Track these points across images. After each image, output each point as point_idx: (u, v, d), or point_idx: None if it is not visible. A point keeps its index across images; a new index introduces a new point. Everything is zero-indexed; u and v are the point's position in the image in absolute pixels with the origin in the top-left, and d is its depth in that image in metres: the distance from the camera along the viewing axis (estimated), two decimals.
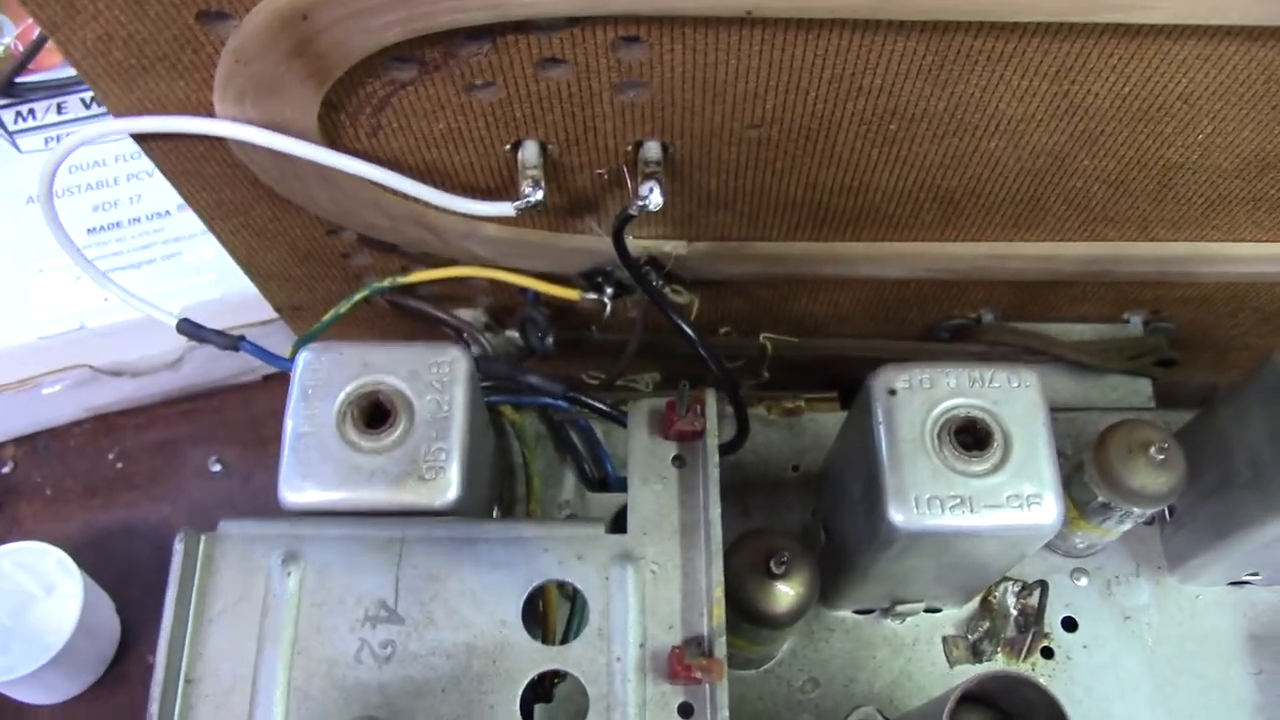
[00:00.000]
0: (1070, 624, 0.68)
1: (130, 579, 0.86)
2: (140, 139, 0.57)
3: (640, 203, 0.57)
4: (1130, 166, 0.61)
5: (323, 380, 0.53)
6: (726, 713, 0.47)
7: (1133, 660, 0.67)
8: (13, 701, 0.81)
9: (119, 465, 0.92)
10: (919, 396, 0.54)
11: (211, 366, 0.91)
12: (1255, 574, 0.68)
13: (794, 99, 0.54)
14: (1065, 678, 0.67)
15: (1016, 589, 0.68)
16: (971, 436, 0.54)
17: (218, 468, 0.91)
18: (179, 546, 0.49)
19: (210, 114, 0.54)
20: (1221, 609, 0.69)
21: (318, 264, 0.71)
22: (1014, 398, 0.54)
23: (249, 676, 0.47)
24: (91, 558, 0.82)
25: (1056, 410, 0.73)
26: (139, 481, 0.91)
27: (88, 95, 0.96)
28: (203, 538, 0.50)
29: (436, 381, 0.52)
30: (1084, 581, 0.69)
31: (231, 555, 0.50)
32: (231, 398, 0.94)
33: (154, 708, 0.46)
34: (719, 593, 0.49)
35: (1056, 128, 0.57)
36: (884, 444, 0.54)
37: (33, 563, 0.81)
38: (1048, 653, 0.67)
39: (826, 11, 0.47)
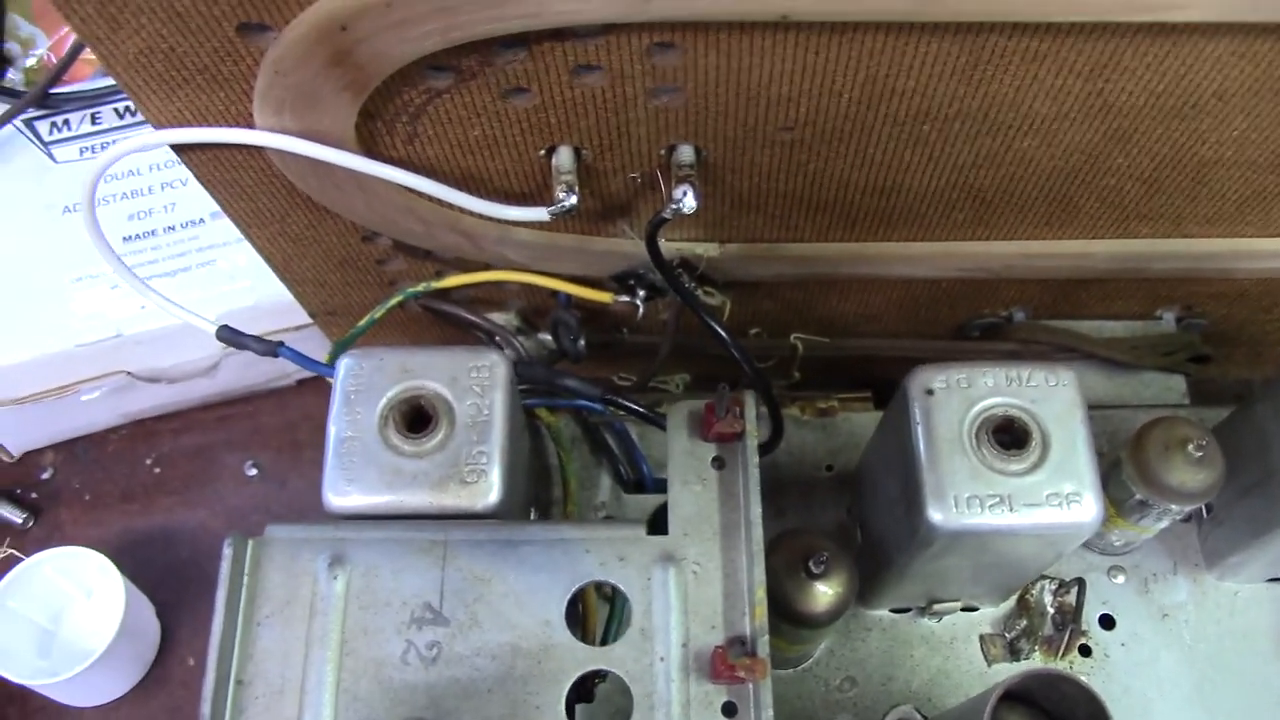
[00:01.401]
0: (1108, 622, 0.68)
1: (169, 582, 0.87)
2: (179, 149, 0.58)
3: (674, 206, 0.57)
4: (1164, 164, 0.60)
5: (365, 385, 0.53)
6: (770, 712, 0.47)
7: (1171, 658, 0.67)
8: (55, 704, 0.82)
9: (156, 470, 0.93)
10: (956, 396, 0.55)
11: (246, 372, 0.92)
12: None
13: (827, 102, 0.54)
14: (1103, 676, 0.67)
15: (1054, 587, 0.67)
16: (1010, 435, 0.54)
17: (254, 472, 0.92)
18: (227, 551, 0.49)
19: (249, 124, 0.55)
20: (1260, 606, 0.69)
21: (353, 270, 0.71)
22: (1052, 396, 0.55)
23: (298, 678, 0.48)
24: (130, 562, 0.83)
25: (1090, 408, 0.73)
26: (176, 486, 0.92)
27: (121, 105, 0.97)
28: (250, 542, 0.50)
29: (476, 386, 0.53)
30: (1121, 579, 0.69)
31: (278, 559, 0.50)
32: (266, 403, 0.95)
33: (205, 708, 0.46)
34: (761, 593, 0.50)
35: (1090, 126, 0.57)
36: (922, 444, 0.54)
37: (73, 567, 0.82)
38: (1085, 651, 0.67)
39: (860, 15, 0.47)
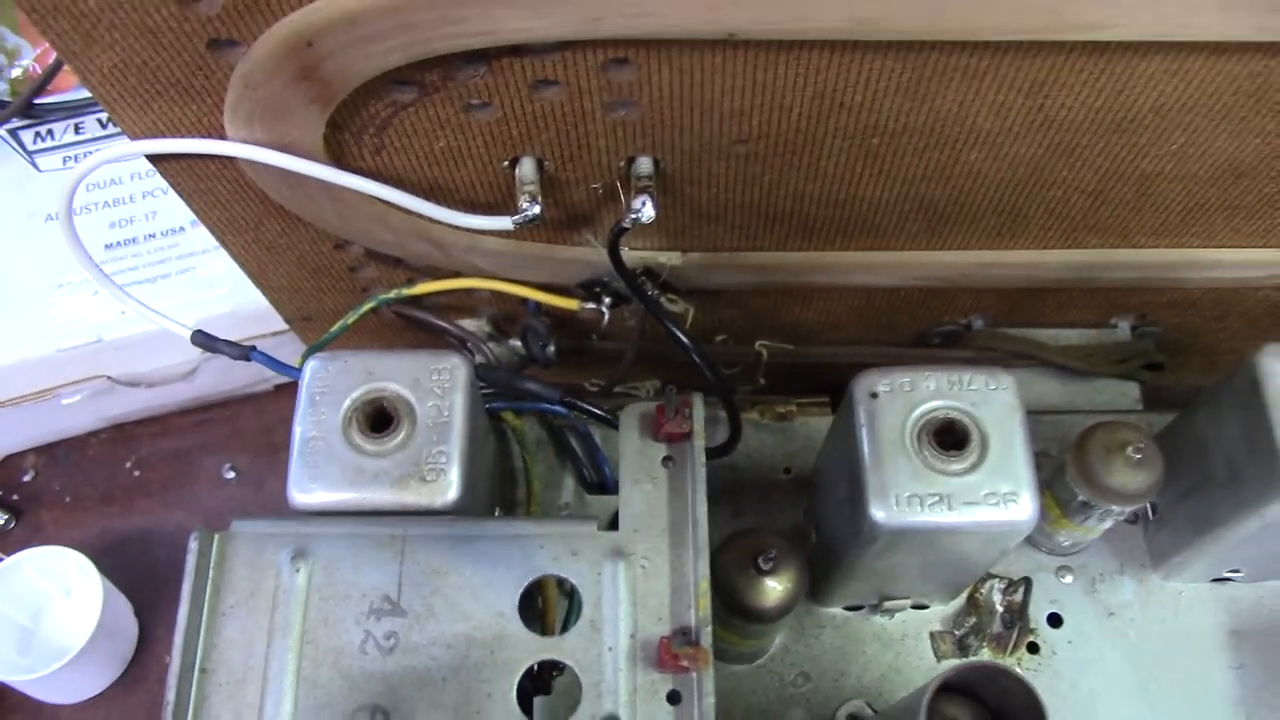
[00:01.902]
0: (1055, 620, 0.70)
1: (147, 582, 0.88)
2: (155, 159, 0.60)
3: (633, 216, 0.59)
4: (1107, 176, 0.63)
5: (329, 387, 0.55)
6: (712, 699, 0.49)
7: (1116, 655, 0.69)
8: (34, 700, 0.84)
9: (136, 473, 0.94)
10: (900, 399, 0.57)
11: (225, 377, 0.94)
12: (1236, 570, 0.70)
13: (778, 116, 0.56)
14: (1050, 672, 0.69)
15: (1002, 586, 0.70)
16: (950, 437, 0.56)
17: (231, 474, 0.94)
18: (194, 544, 0.51)
19: (221, 135, 0.56)
20: (1204, 605, 0.71)
21: (326, 277, 0.73)
22: (991, 400, 0.57)
23: (260, 666, 0.50)
24: (110, 562, 0.84)
25: (1044, 413, 0.76)
26: (155, 488, 0.94)
27: (104, 115, 0.99)
28: (216, 536, 0.52)
29: (437, 388, 0.55)
30: (1069, 579, 0.71)
31: (243, 553, 0.52)
32: (244, 407, 0.97)
33: (170, 695, 0.48)
34: (705, 585, 0.52)
35: (1034, 140, 0.59)
36: (866, 445, 0.56)
37: (53, 567, 0.83)
38: (1033, 648, 0.69)
39: (805, 33, 0.49)
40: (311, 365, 0.56)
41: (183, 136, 0.57)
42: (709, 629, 0.51)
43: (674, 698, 0.50)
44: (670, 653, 0.49)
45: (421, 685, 0.49)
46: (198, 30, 0.49)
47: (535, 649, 0.51)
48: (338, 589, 0.51)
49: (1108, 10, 0.47)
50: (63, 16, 0.48)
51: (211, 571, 0.52)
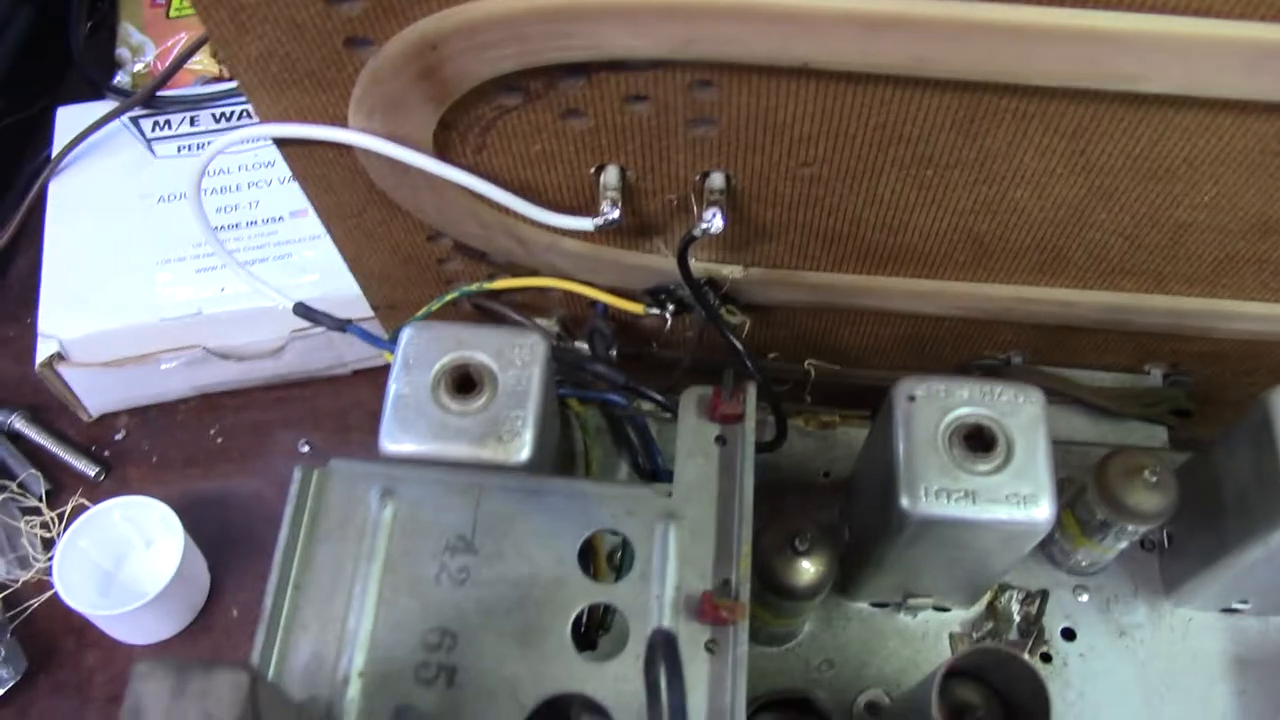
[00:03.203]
0: (1069, 634, 0.74)
1: (221, 541, 0.94)
2: (280, 143, 0.65)
3: (703, 226, 0.64)
4: (1143, 222, 0.66)
5: (421, 353, 0.61)
6: (745, 649, 0.54)
7: (1125, 672, 0.73)
8: (109, 639, 0.89)
9: (218, 440, 1.00)
10: (934, 403, 0.62)
11: (308, 358, 0.99)
12: (1245, 602, 0.73)
13: (842, 143, 0.61)
14: (1061, 681, 0.72)
15: (1020, 596, 0.74)
16: (979, 440, 0.61)
17: (305, 449, 1.00)
18: (297, 476, 0.57)
19: (344, 125, 0.62)
20: (1212, 632, 0.74)
21: (416, 266, 0.78)
22: (1018, 410, 0.61)
23: (346, 587, 0.55)
24: (187, 520, 0.89)
25: (1075, 444, 0.80)
26: (235, 456, 0.99)
27: (218, 111, 1.07)
28: (316, 471, 0.59)
29: (518, 360, 0.61)
30: (1085, 597, 0.75)
31: (339, 487, 0.58)
32: (323, 388, 1.02)
33: (268, 603, 0.54)
34: (746, 549, 0.57)
35: (1075, 182, 0.63)
36: (901, 443, 0.61)
37: (139, 516, 0.89)
38: (1046, 658, 0.73)
39: (870, 67, 0.54)
40: (408, 332, 0.62)
41: (310, 123, 0.62)
42: (747, 586, 0.56)
43: (711, 646, 0.55)
44: (711, 604, 0.54)
45: (487, 615, 0.55)
46: (338, 28, 0.55)
47: (591, 593, 0.56)
48: (419, 525, 0.57)
49: (1142, 63, 0.52)
50: (222, 8, 0.54)
51: (310, 501, 0.58)
